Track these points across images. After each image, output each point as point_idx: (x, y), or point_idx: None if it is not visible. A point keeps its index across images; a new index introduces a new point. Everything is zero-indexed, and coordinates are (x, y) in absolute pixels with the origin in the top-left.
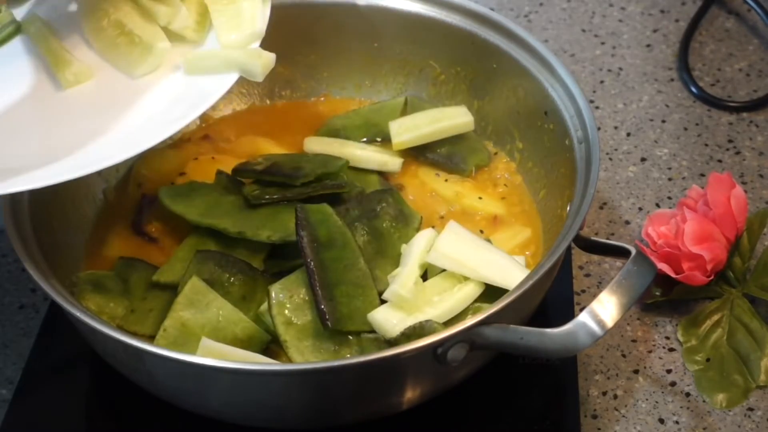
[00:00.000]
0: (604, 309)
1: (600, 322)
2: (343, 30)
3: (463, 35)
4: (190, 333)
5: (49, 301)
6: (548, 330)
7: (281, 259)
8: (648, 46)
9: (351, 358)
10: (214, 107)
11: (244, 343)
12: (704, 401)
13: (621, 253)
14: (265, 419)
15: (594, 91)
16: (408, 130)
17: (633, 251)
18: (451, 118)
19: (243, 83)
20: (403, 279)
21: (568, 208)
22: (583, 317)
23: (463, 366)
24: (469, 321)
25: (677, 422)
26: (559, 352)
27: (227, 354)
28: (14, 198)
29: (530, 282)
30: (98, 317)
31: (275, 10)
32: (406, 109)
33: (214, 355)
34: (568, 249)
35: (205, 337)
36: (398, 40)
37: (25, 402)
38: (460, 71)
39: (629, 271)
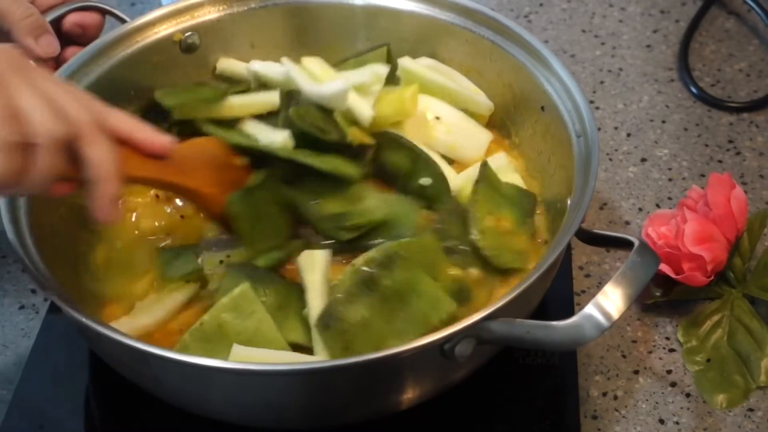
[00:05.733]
0: (610, 301)
1: (606, 314)
2: (342, 30)
3: (457, 32)
4: (223, 335)
5: (49, 302)
6: (554, 323)
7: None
8: (648, 46)
9: (357, 357)
10: None
11: None
12: (704, 402)
13: (624, 244)
14: (270, 420)
15: (594, 92)
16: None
17: (636, 242)
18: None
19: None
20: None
21: (568, 202)
22: (590, 309)
23: (465, 364)
24: (476, 316)
25: (677, 423)
26: (565, 345)
27: (261, 358)
28: (13, 199)
29: (536, 275)
30: (101, 321)
31: (276, 10)
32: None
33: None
34: (568, 248)
35: (237, 344)
36: (398, 40)
37: (25, 402)
38: (455, 68)
39: (633, 262)
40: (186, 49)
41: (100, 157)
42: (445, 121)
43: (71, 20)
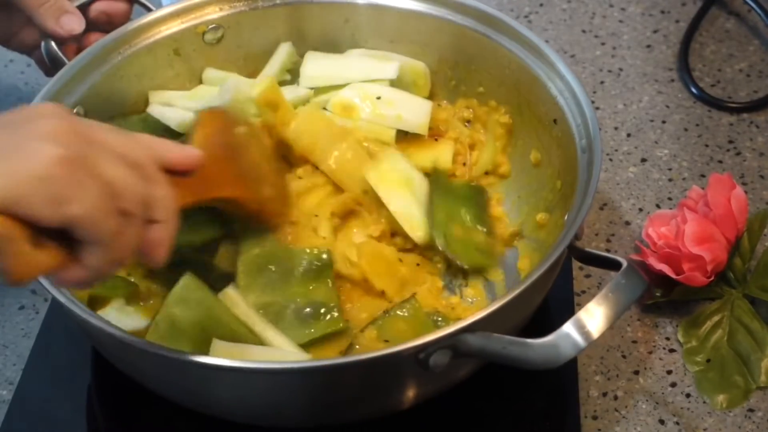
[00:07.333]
0: (592, 319)
1: (585, 333)
2: (341, 30)
3: (472, 36)
4: (178, 329)
5: (49, 302)
6: (530, 340)
7: None
8: (648, 46)
9: (340, 358)
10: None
11: None
12: (705, 402)
13: (613, 265)
14: (256, 417)
15: (594, 92)
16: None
17: (624, 264)
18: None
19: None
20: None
21: (566, 217)
22: (568, 328)
23: (454, 369)
24: (453, 327)
25: (677, 423)
26: (541, 364)
27: (239, 352)
28: None
29: (518, 290)
30: (107, 321)
31: (274, 11)
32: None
33: (226, 354)
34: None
35: (193, 335)
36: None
37: (25, 402)
38: (471, 75)
39: (618, 284)
40: (209, 41)
41: (164, 196)
42: (385, 99)
43: (98, 8)
